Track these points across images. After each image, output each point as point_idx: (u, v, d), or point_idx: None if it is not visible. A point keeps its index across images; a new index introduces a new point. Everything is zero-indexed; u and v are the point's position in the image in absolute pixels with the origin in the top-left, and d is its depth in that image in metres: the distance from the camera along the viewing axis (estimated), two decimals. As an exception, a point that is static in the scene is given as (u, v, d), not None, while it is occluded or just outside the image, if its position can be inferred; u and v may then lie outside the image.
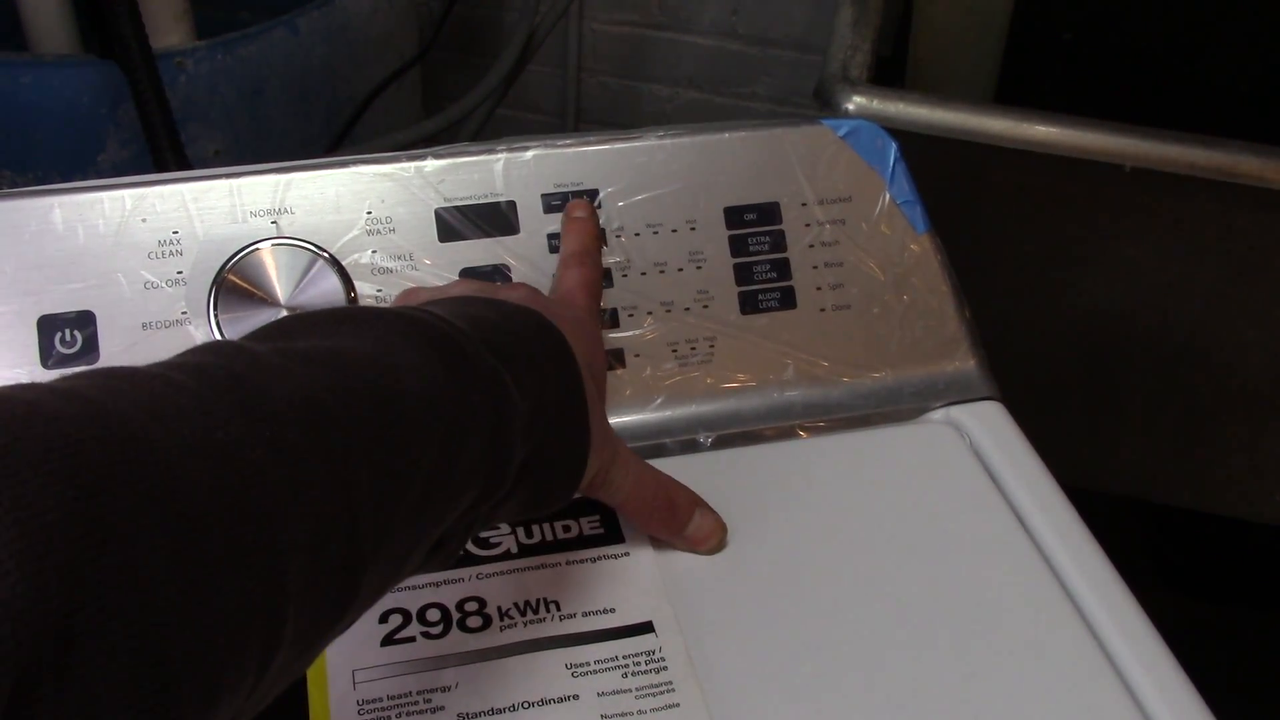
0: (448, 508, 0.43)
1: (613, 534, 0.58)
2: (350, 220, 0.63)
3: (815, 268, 0.67)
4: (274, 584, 0.33)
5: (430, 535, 0.42)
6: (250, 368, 0.37)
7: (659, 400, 0.64)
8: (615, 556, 0.57)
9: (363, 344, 0.42)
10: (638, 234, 0.65)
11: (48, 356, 0.58)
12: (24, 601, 0.26)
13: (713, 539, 0.57)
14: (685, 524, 0.57)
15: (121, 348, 0.59)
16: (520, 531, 0.57)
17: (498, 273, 0.63)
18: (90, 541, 0.28)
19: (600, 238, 0.64)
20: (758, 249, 0.66)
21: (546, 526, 0.58)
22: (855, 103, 0.99)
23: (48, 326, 0.59)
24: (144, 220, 0.61)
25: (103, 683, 0.28)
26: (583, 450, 0.50)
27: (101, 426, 0.31)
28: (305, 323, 0.44)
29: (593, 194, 0.65)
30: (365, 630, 0.53)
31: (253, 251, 0.60)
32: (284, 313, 0.60)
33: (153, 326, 0.60)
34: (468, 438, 0.43)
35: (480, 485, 0.44)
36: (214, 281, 0.60)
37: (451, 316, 0.47)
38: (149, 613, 0.29)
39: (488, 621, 0.54)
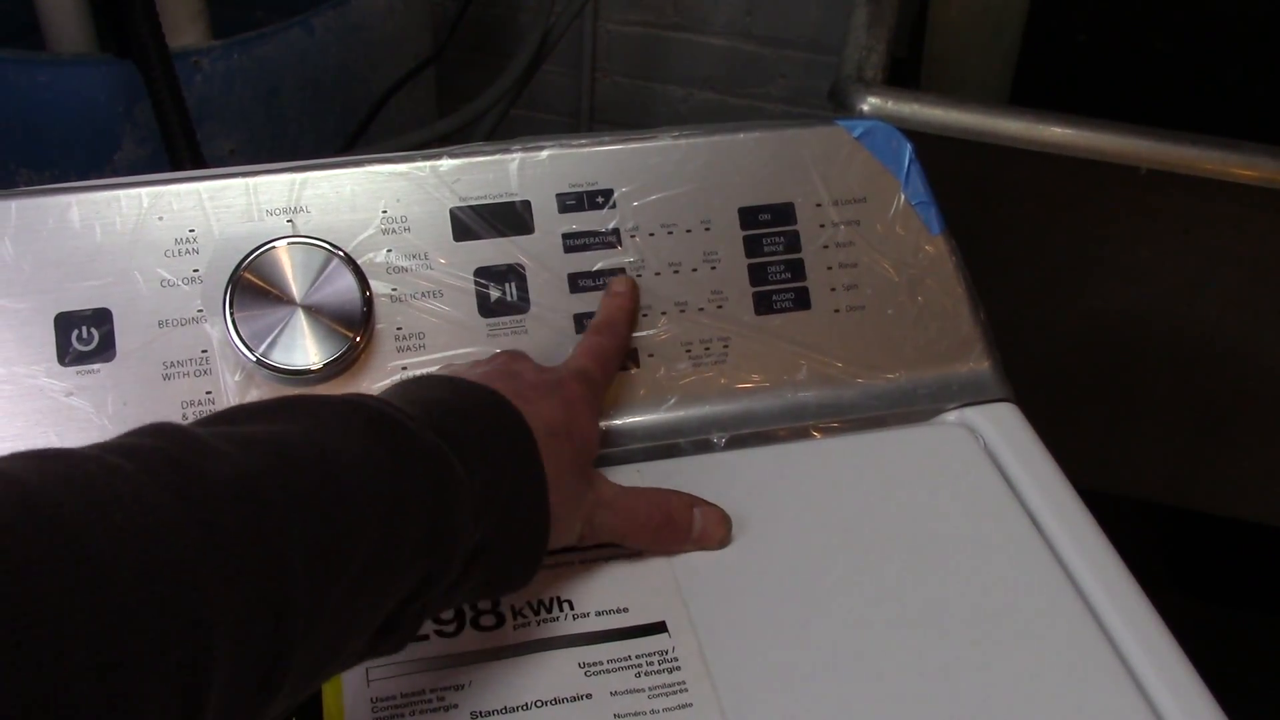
0: (388, 590, 0.42)
1: (626, 533, 0.58)
2: (365, 219, 0.63)
3: (830, 268, 0.67)
4: (198, 675, 0.32)
5: (370, 619, 0.42)
6: (189, 451, 0.37)
7: (673, 400, 0.64)
8: (628, 556, 0.57)
9: (304, 429, 0.42)
10: (652, 234, 0.65)
11: (65, 354, 0.59)
12: None
13: (719, 531, 0.57)
14: (689, 529, 0.57)
15: (138, 345, 0.59)
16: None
17: (512, 272, 0.63)
18: (6, 632, 0.28)
19: (633, 314, 0.64)
20: (772, 249, 0.66)
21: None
22: (870, 103, 0.99)
23: (65, 324, 0.59)
24: (161, 218, 0.61)
25: None
26: (541, 530, 0.50)
27: (29, 511, 0.31)
28: (249, 410, 0.44)
29: (607, 194, 0.65)
30: (379, 628, 0.53)
31: (269, 250, 0.61)
32: (300, 312, 0.60)
33: (169, 324, 0.60)
34: (409, 518, 0.42)
35: (425, 567, 0.43)
36: (230, 280, 0.60)
37: (400, 401, 0.47)
38: (67, 711, 0.29)
39: (501, 620, 0.54)
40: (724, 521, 0.57)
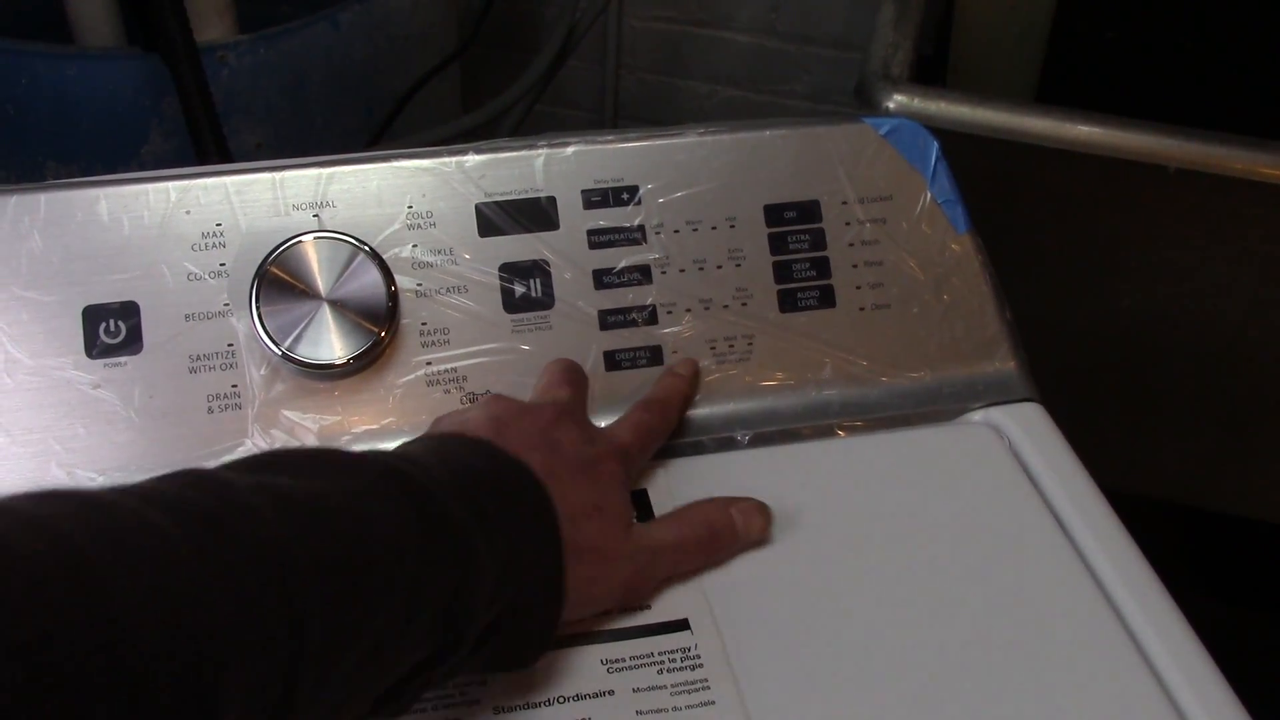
0: (397, 664, 0.43)
1: (649, 530, 0.57)
2: (391, 214, 0.63)
3: (855, 266, 0.66)
4: None
5: (372, 689, 0.43)
6: (225, 506, 0.38)
7: (697, 398, 0.64)
8: (651, 553, 0.57)
9: (341, 489, 0.43)
10: (677, 231, 0.65)
11: (92, 346, 0.59)
12: None
13: (761, 522, 0.57)
14: (735, 534, 0.56)
15: (165, 339, 0.60)
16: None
17: (536, 268, 0.64)
18: (34, 689, 0.29)
19: (688, 399, 0.63)
20: (797, 247, 0.66)
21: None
22: (896, 101, 0.98)
23: (93, 317, 0.59)
24: (188, 212, 0.61)
25: None
26: (551, 616, 0.50)
27: (65, 569, 0.32)
28: (291, 459, 0.45)
29: (633, 190, 0.65)
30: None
31: (295, 244, 0.61)
32: (325, 307, 0.60)
33: (195, 318, 0.60)
34: (428, 598, 0.43)
35: (436, 645, 0.44)
36: (256, 274, 0.60)
37: (434, 464, 0.47)
38: None
39: (524, 616, 0.54)
40: (761, 511, 0.57)
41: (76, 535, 0.33)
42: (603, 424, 0.60)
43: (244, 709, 0.35)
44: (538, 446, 0.53)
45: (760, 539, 0.57)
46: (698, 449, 0.63)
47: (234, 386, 0.60)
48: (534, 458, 0.52)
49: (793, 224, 0.66)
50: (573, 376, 0.61)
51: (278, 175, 0.63)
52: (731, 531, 0.56)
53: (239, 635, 0.35)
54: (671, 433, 0.62)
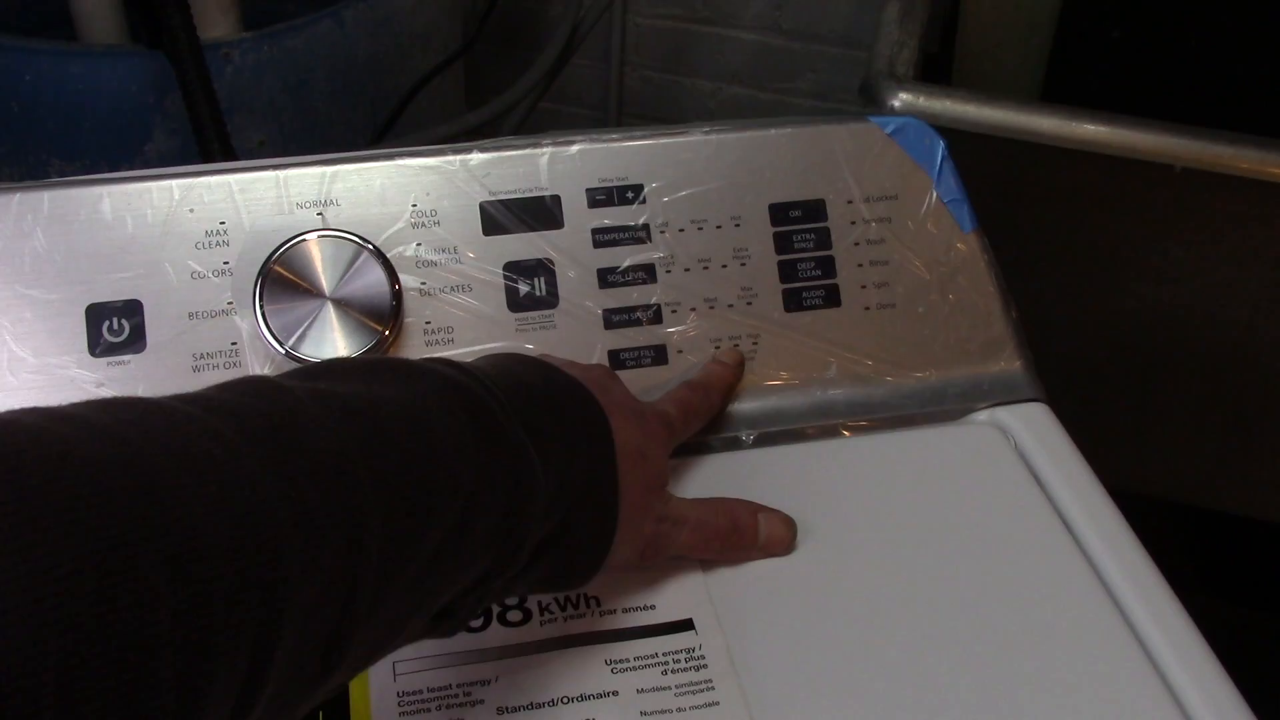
0: (451, 580, 0.43)
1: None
2: (395, 213, 0.63)
3: (860, 266, 0.66)
4: (263, 654, 0.33)
5: (429, 606, 0.42)
6: (288, 415, 0.38)
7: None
8: (656, 553, 0.57)
9: (401, 397, 0.42)
10: (682, 230, 0.65)
11: (96, 344, 0.59)
12: (22, 652, 0.27)
13: (786, 537, 0.57)
14: (756, 536, 0.56)
15: (168, 337, 0.59)
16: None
17: (541, 267, 0.63)
18: (101, 597, 0.29)
19: (730, 387, 0.63)
20: (802, 246, 0.66)
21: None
22: (901, 99, 0.98)
23: (96, 315, 0.59)
24: (191, 210, 0.61)
25: None
26: (608, 532, 0.50)
27: (131, 477, 0.31)
28: (351, 367, 0.45)
29: (638, 189, 0.65)
30: (406, 622, 0.53)
31: (299, 243, 0.61)
32: (329, 305, 0.60)
33: (199, 316, 0.60)
34: (485, 511, 0.43)
35: (490, 561, 0.44)
36: (260, 272, 0.60)
37: (495, 376, 0.47)
38: (143, 673, 0.30)
39: (528, 616, 0.54)
40: (789, 526, 0.57)
41: (142, 444, 0.33)
42: None
43: (304, 621, 0.35)
44: (592, 384, 0.53)
45: (778, 552, 0.57)
46: (702, 449, 0.62)
47: (237, 385, 0.60)
48: (590, 389, 0.52)
49: (798, 223, 0.66)
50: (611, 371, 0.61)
51: (281, 173, 0.62)
52: (752, 534, 0.56)
53: (300, 549, 0.35)
54: (714, 418, 0.62)
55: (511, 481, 0.44)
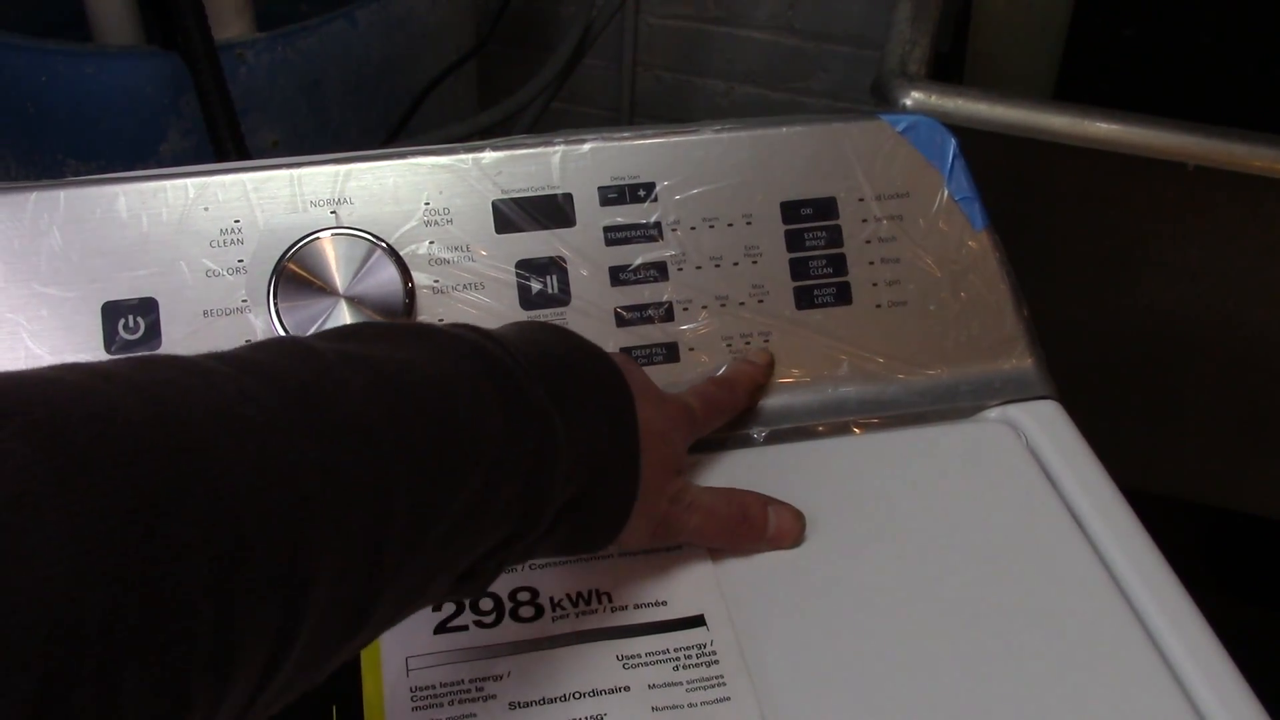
0: (475, 544, 0.43)
1: (665, 527, 0.57)
2: (408, 211, 0.63)
3: (871, 263, 0.66)
4: (293, 612, 0.34)
5: (453, 568, 0.43)
6: (318, 377, 0.39)
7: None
8: (667, 549, 0.57)
9: (429, 362, 0.43)
10: (693, 228, 0.65)
11: (111, 342, 0.59)
12: (68, 603, 0.28)
13: (794, 529, 0.57)
14: (765, 528, 0.57)
15: (183, 335, 0.60)
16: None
17: (553, 265, 0.64)
18: (142, 551, 0.30)
19: (758, 387, 0.63)
20: (814, 244, 0.66)
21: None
22: (913, 98, 0.98)
23: (111, 313, 0.60)
24: (206, 209, 0.61)
25: (128, 686, 0.29)
26: (629, 495, 0.50)
27: (171, 436, 0.33)
28: (380, 331, 0.45)
29: (649, 187, 0.65)
30: (419, 618, 0.53)
31: (313, 241, 0.61)
32: (343, 303, 0.60)
33: (213, 314, 0.60)
34: (508, 475, 0.43)
35: (512, 525, 0.44)
36: (274, 270, 0.60)
37: (517, 346, 0.48)
38: (180, 622, 0.31)
39: (540, 612, 0.54)
40: (798, 519, 0.57)
41: (179, 403, 0.34)
42: None
43: (334, 583, 0.36)
44: (617, 358, 0.54)
45: (786, 545, 0.57)
46: (714, 445, 0.62)
47: (252, 382, 0.60)
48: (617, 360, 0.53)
49: (809, 221, 0.66)
50: (629, 357, 0.61)
51: (295, 172, 0.63)
52: (761, 525, 0.57)
53: (329, 511, 0.36)
54: (734, 415, 0.62)
55: (535, 447, 0.45)
